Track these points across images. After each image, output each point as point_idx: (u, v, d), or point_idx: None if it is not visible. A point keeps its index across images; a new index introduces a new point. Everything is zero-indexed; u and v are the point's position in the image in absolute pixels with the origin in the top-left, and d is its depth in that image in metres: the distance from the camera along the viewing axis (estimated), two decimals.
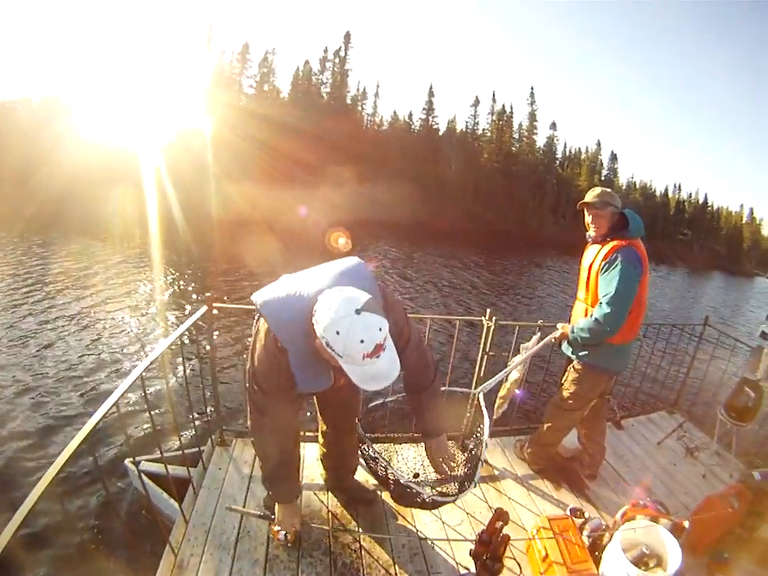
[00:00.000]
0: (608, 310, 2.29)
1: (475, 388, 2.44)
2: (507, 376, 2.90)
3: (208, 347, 2.64)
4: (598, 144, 55.32)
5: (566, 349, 2.67)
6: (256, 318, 1.64)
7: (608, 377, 2.66)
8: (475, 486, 1.71)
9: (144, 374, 1.81)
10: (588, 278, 2.50)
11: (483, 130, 48.14)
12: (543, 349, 2.78)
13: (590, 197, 2.44)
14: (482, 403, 2.11)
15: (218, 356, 4.87)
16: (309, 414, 2.54)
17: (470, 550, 1.65)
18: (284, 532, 1.89)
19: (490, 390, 2.44)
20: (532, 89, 52.63)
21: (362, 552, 2.14)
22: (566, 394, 2.67)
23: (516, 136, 48.30)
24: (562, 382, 2.74)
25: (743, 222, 66.25)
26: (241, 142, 28.42)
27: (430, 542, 2.25)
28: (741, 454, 3.30)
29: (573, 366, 2.65)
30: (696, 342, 3.79)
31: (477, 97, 50.87)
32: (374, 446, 1.85)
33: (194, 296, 9.46)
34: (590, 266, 2.48)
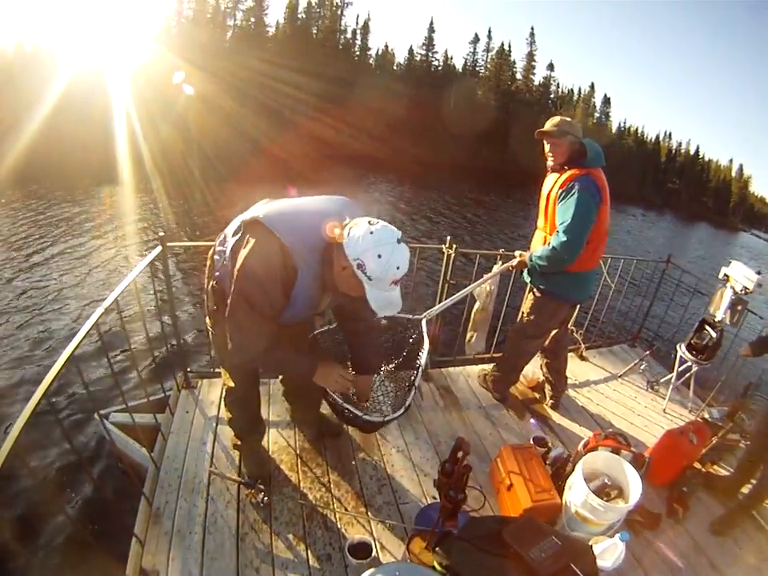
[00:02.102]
0: (565, 239, 2.28)
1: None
2: (472, 309, 2.93)
3: (166, 288, 2.54)
4: (592, 86, 54.38)
5: (526, 277, 2.70)
6: (239, 232, 1.54)
7: (568, 305, 2.70)
8: (406, 411, 1.75)
9: (101, 321, 1.74)
10: (546, 206, 2.49)
11: (478, 68, 47.29)
12: (505, 277, 2.84)
13: (547, 125, 2.39)
14: (424, 329, 2.11)
15: (176, 297, 4.79)
16: None
17: (434, 480, 1.68)
18: (261, 495, 2.00)
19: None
20: (532, 29, 51.29)
21: (331, 485, 2.19)
22: (526, 321, 2.72)
23: (510, 73, 47.48)
24: (523, 310, 2.78)
25: (732, 176, 66.92)
26: (222, 87, 26.86)
27: (396, 473, 2.32)
28: (698, 391, 3.44)
29: (532, 294, 2.69)
30: (659, 279, 3.87)
31: (476, 34, 49.54)
32: None
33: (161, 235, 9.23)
34: (548, 194, 2.46)
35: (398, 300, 1.44)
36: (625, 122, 59.76)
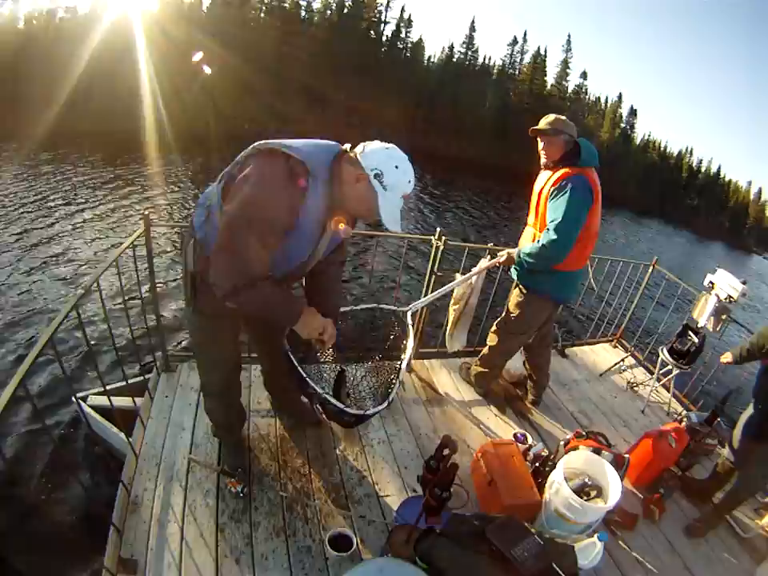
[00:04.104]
0: (555, 236, 2.28)
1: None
2: (451, 301, 2.96)
3: (148, 269, 2.46)
4: (620, 97, 54.40)
5: (514, 273, 2.69)
6: (234, 167, 1.47)
7: (553, 304, 2.70)
8: (389, 405, 1.67)
9: (81, 303, 1.69)
10: (537, 203, 2.49)
11: (513, 70, 47.19)
12: (491, 272, 2.84)
13: (542, 124, 2.39)
14: (409, 322, 2.08)
15: (159, 278, 4.69)
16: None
17: (418, 476, 1.67)
18: (240, 485, 1.97)
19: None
20: (569, 36, 50.78)
21: (312, 476, 2.17)
22: (511, 317, 2.72)
23: (543, 78, 47.39)
24: (508, 306, 2.78)
25: (750, 199, 66.94)
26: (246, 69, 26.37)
27: (377, 465, 2.31)
28: (678, 394, 3.51)
29: (518, 291, 2.69)
30: (644, 281, 3.90)
31: (515, 36, 49.28)
32: (296, 360, 1.75)
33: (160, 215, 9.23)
34: (540, 192, 2.45)
35: (399, 219, 1.49)
36: (649, 135, 59.80)
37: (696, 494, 2.58)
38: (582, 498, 1.93)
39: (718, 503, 2.44)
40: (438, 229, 2.90)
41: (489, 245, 2.98)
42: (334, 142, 1.54)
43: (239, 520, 1.89)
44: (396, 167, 1.41)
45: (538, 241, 2.38)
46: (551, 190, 2.34)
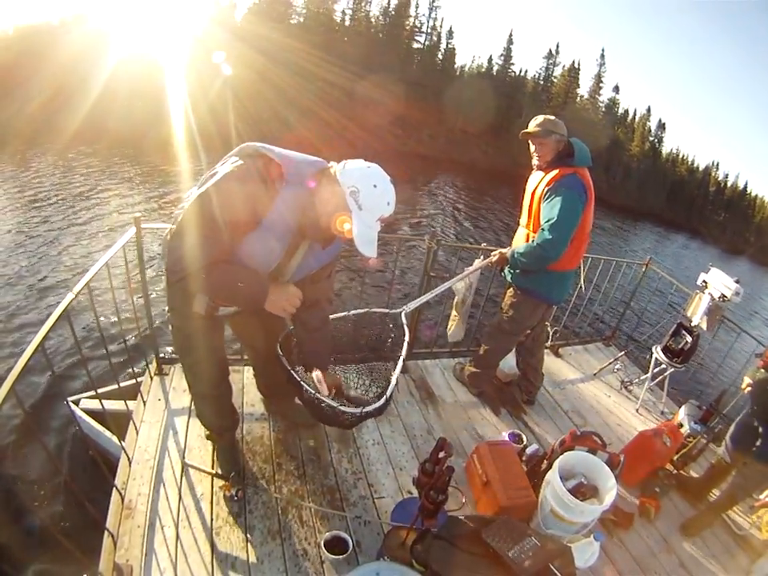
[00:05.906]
0: (549, 237, 2.28)
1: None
2: (455, 303, 3.00)
3: (139, 271, 2.41)
4: (648, 110, 54.24)
5: (508, 274, 2.70)
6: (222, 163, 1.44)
7: (546, 305, 2.71)
8: (388, 403, 1.71)
9: (71, 306, 1.65)
10: (531, 203, 2.48)
11: (544, 83, 47.43)
12: (487, 271, 2.85)
13: (531, 126, 2.38)
14: (405, 322, 2.08)
15: (150, 281, 4.64)
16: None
17: (413, 478, 1.66)
18: (234, 489, 1.95)
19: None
20: (603, 50, 51.12)
21: (306, 478, 2.15)
22: (504, 317, 2.73)
23: (577, 91, 47.66)
24: (502, 306, 2.79)
25: None
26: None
27: (372, 467, 2.30)
28: (672, 393, 3.51)
29: (512, 291, 2.69)
30: (638, 281, 3.92)
31: (550, 49, 49.24)
32: (287, 363, 1.79)
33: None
34: (533, 192, 2.45)
35: (375, 242, 1.42)
36: (678, 150, 59.60)
37: (691, 492, 2.58)
38: (577, 498, 1.93)
39: (714, 502, 2.45)
40: (432, 230, 2.89)
41: (482, 245, 2.99)
42: (322, 159, 1.51)
43: (234, 524, 1.88)
44: (374, 186, 1.34)
45: (533, 241, 2.38)
46: (545, 190, 2.34)
